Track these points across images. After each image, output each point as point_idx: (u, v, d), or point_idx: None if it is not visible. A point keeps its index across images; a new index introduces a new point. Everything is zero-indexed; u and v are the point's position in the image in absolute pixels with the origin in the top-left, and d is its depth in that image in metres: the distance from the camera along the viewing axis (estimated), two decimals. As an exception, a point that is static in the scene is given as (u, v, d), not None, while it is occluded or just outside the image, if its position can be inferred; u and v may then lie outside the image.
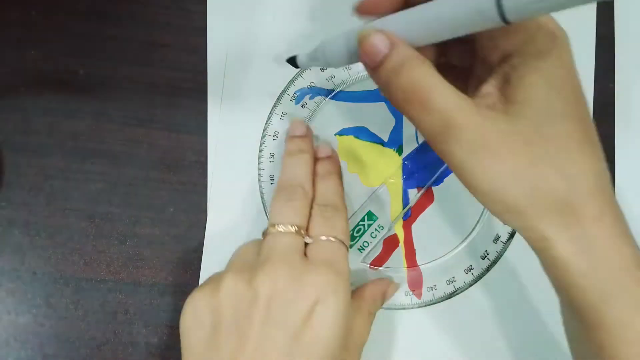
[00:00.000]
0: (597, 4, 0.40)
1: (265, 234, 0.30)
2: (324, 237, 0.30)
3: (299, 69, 0.37)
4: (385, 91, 0.26)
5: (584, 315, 0.25)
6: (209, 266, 0.36)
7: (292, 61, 0.33)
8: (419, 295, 0.36)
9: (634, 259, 0.24)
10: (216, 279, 0.29)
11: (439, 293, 0.36)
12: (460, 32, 0.24)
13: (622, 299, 0.24)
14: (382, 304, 0.35)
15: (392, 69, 0.25)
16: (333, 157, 0.35)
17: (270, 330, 0.27)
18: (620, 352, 0.24)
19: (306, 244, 0.30)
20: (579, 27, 0.40)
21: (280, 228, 0.29)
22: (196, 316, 0.28)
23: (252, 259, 0.30)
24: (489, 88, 0.26)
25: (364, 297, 0.34)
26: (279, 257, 0.28)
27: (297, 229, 0.30)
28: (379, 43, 0.25)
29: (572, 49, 0.25)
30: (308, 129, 0.36)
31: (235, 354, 0.27)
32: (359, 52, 0.26)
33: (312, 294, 0.27)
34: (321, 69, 0.37)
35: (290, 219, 0.30)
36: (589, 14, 0.40)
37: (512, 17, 0.21)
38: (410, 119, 0.25)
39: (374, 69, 0.26)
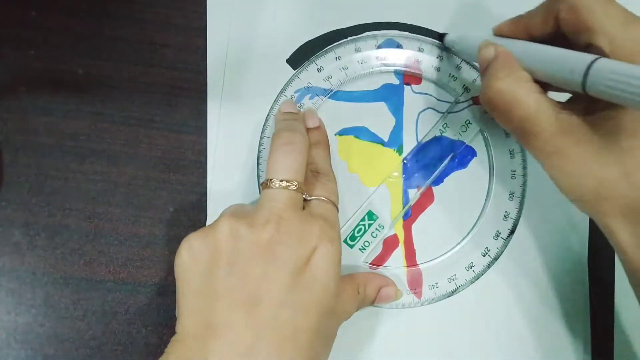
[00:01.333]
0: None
1: (265, 185, 0.31)
2: (320, 197, 0.32)
3: (295, 71, 0.37)
4: (481, 96, 0.31)
5: None
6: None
7: (441, 37, 0.38)
8: (419, 294, 0.37)
9: None
10: (210, 225, 0.30)
11: (441, 291, 0.36)
12: (552, 82, 0.28)
13: None
14: (374, 296, 0.35)
15: (488, 75, 0.30)
16: (321, 128, 0.36)
17: (272, 269, 0.28)
18: None
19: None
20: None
21: (284, 183, 0.30)
22: (193, 254, 0.29)
23: (249, 210, 0.31)
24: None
25: (356, 276, 0.35)
26: (282, 207, 0.29)
27: (298, 185, 0.30)
28: (488, 52, 0.31)
29: None
30: (298, 110, 0.36)
31: (235, 290, 0.28)
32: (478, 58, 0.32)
33: (312, 241, 0.29)
34: (318, 69, 0.37)
35: (292, 176, 0.31)
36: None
37: (591, 93, 0.26)
38: (498, 122, 0.31)
39: (481, 74, 0.31)
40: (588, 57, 0.26)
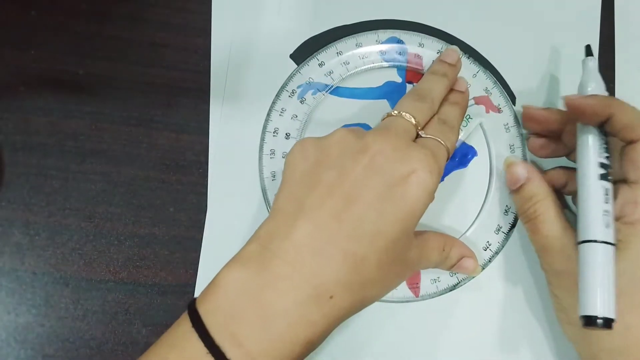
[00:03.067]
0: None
1: (387, 115, 0.33)
2: (436, 138, 0.32)
3: (297, 66, 0.38)
4: (519, 210, 0.36)
5: None
6: (207, 266, 0.36)
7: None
8: (417, 291, 0.36)
9: None
10: (325, 135, 0.32)
11: (443, 285, 0.36)
12: None
13: None
14: (454, 262, 0.35)
15: (523, 197, 0.35)
16: (465, 94, 0.37)
17: (370, 174, 0.29)
18: None
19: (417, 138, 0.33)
20: (583, 27, 0.40)
21: (403, 115, 0.32)
22: (303, 151, 0.31)
23: (365, 130, 0.32)
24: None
25: (445, 235, 0.36)
26: (395, 130, 0.31)
27: (415, 122, 0.32)
28: (520, 173, 0.35)
29: None
30: (459, 61, 0.37)
31: (332, 184, 0.29)
32: (505, 176, 0.36)
33: (412, 163, 0.29)
34: (319, 64, 0.38)
35: (413, 113, 0.32)
36: (593, 14, 0.40)
37: None
38: (526, 229, 0.35)
39: (511, 191, 0.36)
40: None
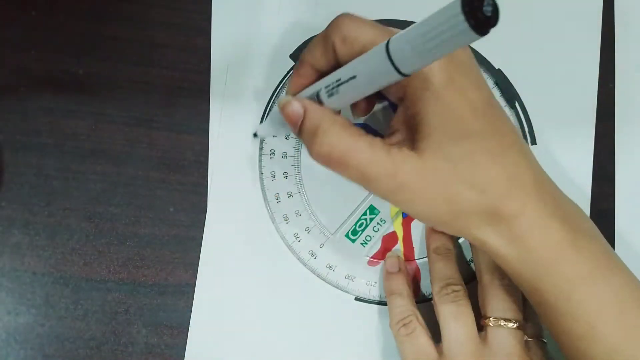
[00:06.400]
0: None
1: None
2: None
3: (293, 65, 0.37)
4: (310, 152, 0.29)
5: (528, 295, 0.30)
6: (207, 266, 0.36)
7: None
8: (416, 290, 0.36)
9: (559, 240, 0.28)
10: None
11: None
12: (367, 92, 0.27)
13: (552, 275, 0.28)
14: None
15: (308, 131, 0.29)
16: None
17: None
18: (559, 324, 0.29)
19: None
20: (583, 27, 0.40)
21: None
22: None
23: None
24: (396, 124, 0.31)
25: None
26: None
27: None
28: (295, 109, 0.29)
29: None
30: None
31: None
32: (284, 119, 0.30)
33: None
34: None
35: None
36: (594, 14, 0.40)
37: (406, 70, 0.24)
38: (337, 173, 0.29)
39: (297, 133, 0.29)
40: (381, 48, 0.24)
